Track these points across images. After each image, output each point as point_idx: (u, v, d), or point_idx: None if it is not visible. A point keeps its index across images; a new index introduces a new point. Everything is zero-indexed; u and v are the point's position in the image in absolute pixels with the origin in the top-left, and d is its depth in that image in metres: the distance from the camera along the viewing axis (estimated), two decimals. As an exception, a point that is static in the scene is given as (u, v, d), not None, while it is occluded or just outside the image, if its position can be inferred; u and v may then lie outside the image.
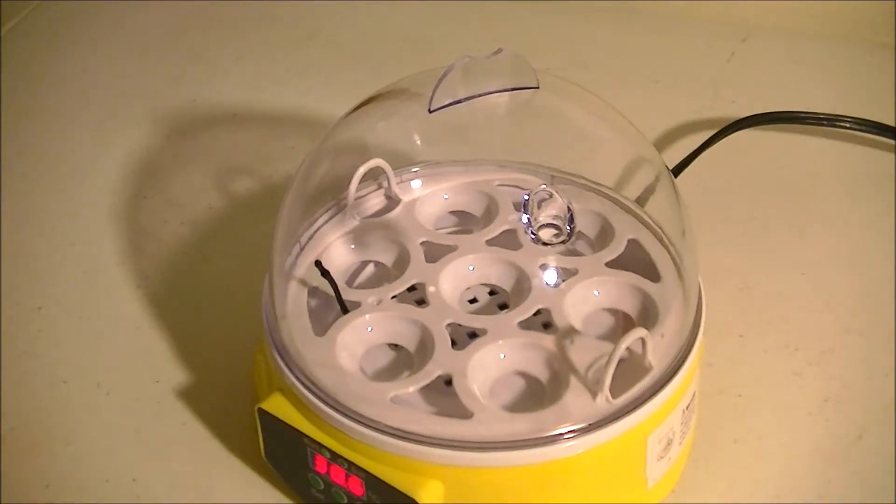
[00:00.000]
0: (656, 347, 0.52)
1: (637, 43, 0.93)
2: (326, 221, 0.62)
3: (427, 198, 0.64)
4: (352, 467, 0.51)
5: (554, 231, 0.57)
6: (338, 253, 0.61)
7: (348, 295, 0.57)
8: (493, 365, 0.54)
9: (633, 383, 0.51)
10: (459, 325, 0.55)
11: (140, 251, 0.73)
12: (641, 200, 0.61)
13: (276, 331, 0.56)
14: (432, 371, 0.53)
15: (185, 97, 0.88)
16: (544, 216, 0.57)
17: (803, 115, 0.80)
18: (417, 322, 0.55)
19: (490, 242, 0.60)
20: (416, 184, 0.64)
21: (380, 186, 0.64)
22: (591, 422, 0.50)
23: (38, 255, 0.74)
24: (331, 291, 0.56)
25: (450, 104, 0.55)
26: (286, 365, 0.54)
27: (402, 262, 0.59)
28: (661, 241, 0.60)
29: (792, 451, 0.59)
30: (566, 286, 0.57)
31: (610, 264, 0.59)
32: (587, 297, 0.57)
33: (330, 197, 0.62)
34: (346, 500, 0.53)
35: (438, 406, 0.52)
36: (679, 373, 0.53)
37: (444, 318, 0.55)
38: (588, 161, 0.63)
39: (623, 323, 0.57)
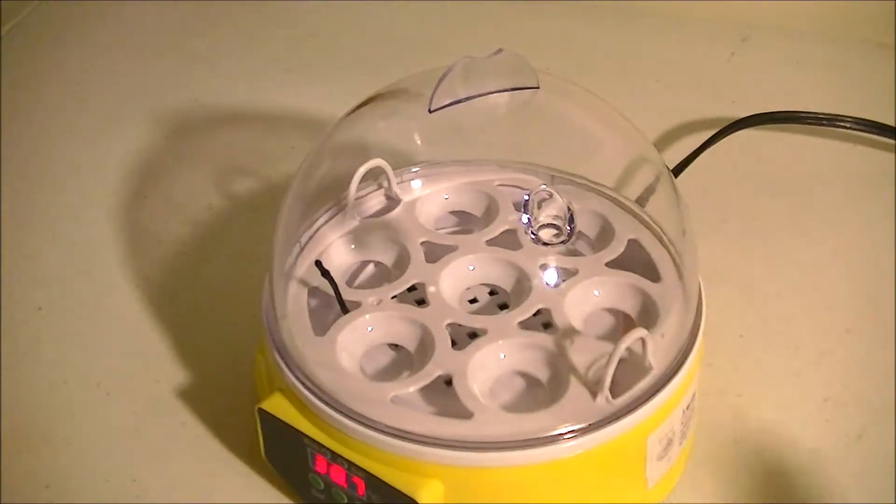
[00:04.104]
0: (656, 347, 0.52)
1: (637, 43, 0.93)
2: (327, 221, 0.62)
3: (427, 198, 0.64)
4: (352, 467, 0.51)
5: (554, 231, 0.57)
6: (338, 253, 0.61)
7: (348, 295, 0.57)
8: (493, 365, 0.54)
9: (633, 383, 0.51)
10: (459, 325, 0.55)
11: (140, 251, 0.73)
12: (641, 200, 0.61)
13: (276, 331, 0.56)
14: (432, 371, 0.53)
15: (186, 97, 0.88)
16: (544, 216, 0.57)
17: (803, 115, 0.80)
18: (417, 322, 0.55)
19: (490, 242, 0.60)
20: (416, 184, 0.64)
21: (380, 186, 0.64)
22: (591, 422, 0.50)
23: (38, 255, 0.74)
24: (331, 291, 0.56)
25: (450, 104, 0.55)
26: (286, 365, 0.54)
27: (403, 262, 0.59)
28: (661, 241, 0.60)
29: (792, 451, 0.59)
30: (566, 286, 0.57)
31: (610, 264, 0.59)
32: (587, 297, 0.57)
33: (330, 197, 0.62)
34: (346, 500, 0.53)
35: (438, 406, 0.52)
36: (679, 373, 0.53)
37: (445, 318, 0.55)
38: (588, 161, 0.63)
39: (623, 323, 0.57)
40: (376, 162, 0.62)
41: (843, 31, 0.92)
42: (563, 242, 0.57)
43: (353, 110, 0.60)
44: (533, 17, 0.96)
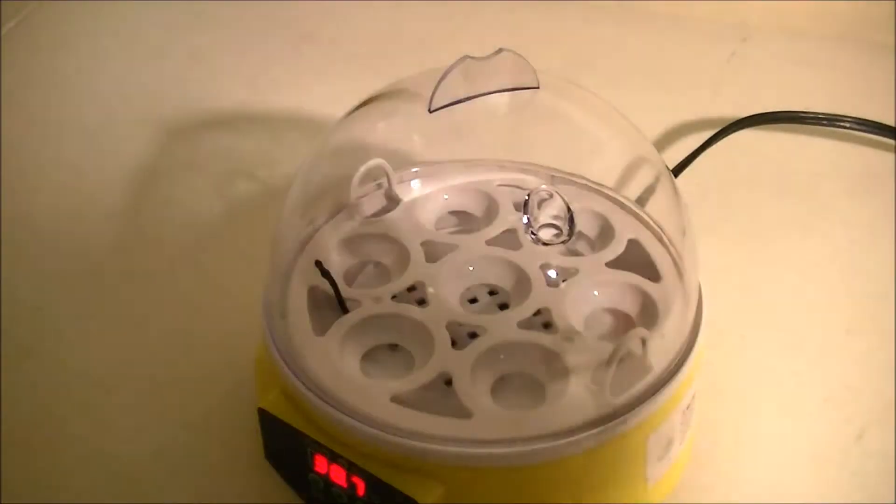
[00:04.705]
0: (656, 347, 0.52)
1: (637, 43, 0.93)
2: (327, 221, 0.62)
3: (427, 198, 0.64)
4: (352, 467, 0.51)
5: (554, 231, 0.57)
6: (338, 253, 0.61)
7: (348, 295, 0.57)
8: (493, 364, 0.54)
9: (633, 383, 0.51)
10: (459, 324, 0.55)
11: (140, 251, 0.73)
12: (641, 200, 0.61)
13: (276, 331, 0.56)
14: (432, 371, 0.53)
15: (186, 98, 0.88)
16: (544, 216, 0.57)
17: (803, 115, 0.80)
18: (417, 322, 0.55)
19: (490, 242, 0.60)
20: (416, 184, 0.64)
21: (380, 186, 0.64)
22: (591, 422, 0.50)
23: (38, 255, 0.74)
24: (331, 291, 0.56)
25: (450, 104, 0.55)
26: (286, 365, 0.54)
27: (403, 262, 0.59)
28: (661, 241, 0.60)
29: (792, 451, 0.59)
30: (566, 286, 0.57)
31: (610, 264, 0.59)
32: (587, 297, 0.57)
33: (330, 197, 0.62)
34: (346, 501, 0.53)
35: (438, 406, 0.52)
36: (679, 373, 0.53)
37: (444, 318, 0.55)
38: (588, 161, 0.63)
39: (623, 323, 0.57)
40: (376, 162, 0.62)
41: (843, 31, 0.92)
42: (563, 242, 0.57)
43: (353, 110, 0.60)
44: (533, 17, 0.96)
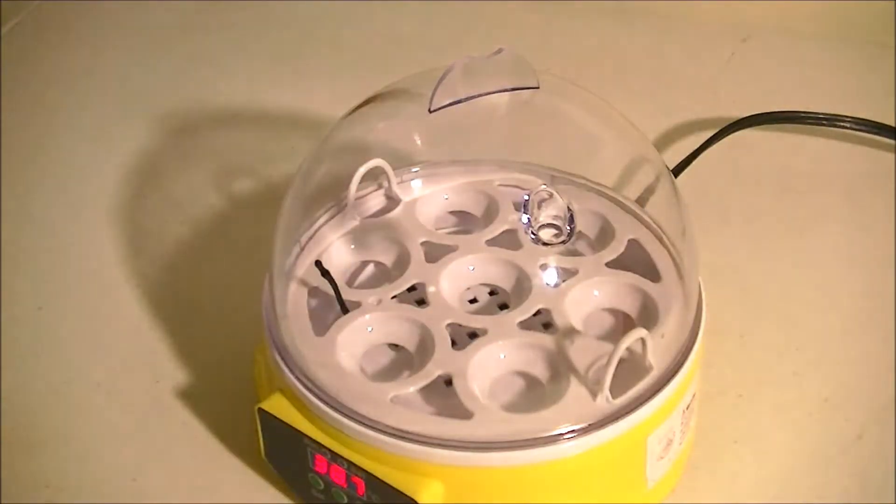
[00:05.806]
0: (656, 347, 0.52)
1: (637, 43, 0.93)
2: (327, 221, 0.62)
3: (427, 198, 0.64)
4: (352, 467, 0.51)
5: (554, 231, 0.57)
6: (338, 253, 0.61)
7: (348, 295, 0.57)
8: (493, 365, 0.54)
9: (633, 383, 0.51)
10: (459, 325, 0.55)
11: (140, 251, 0.73)
12: (641, 200, 0.61)
13: (276, 331, 0.56)
14: (432, 371, 0.53)
15: (186, 97, 0.88)
16: (544, 216, 0.57)
17: (803, 115, 0.80)
18: (417, 322, 0.55)
19: (490, 242, 0.60)
20: (416, 184, 0.64)
21: (380, 186, 0.64)
22: (591, 422, 0.50)
23: (38, 255, 0.74)
24: (331, 291, 0.56)
25: (450, 104, 0.55)
26: (286, 365, 0.54)
27: (403, 262, 0.59)
28: (661, 241, 0.60)
29: (792, 451, 0.59)
30: (566, 286, 0.57)
31: (610, 264, 0.59)
32: (587, 297, 0.57)
33: (330, 197, 0.62)
34: (346, 500, 0.53)
35: (438, 406, 0.52)
36: (679, 373, 0.53)
37: (445, 318, 0.55)
38: (588, 161, 0.63)
39: (623, 323, 0.57)
40: (376, 162, 0.62)
41: (843, 31, 0.91)
42: (563, 242, 0.57)
43: (353, 110, 0.60)
44: (533, 17, 0.96)
